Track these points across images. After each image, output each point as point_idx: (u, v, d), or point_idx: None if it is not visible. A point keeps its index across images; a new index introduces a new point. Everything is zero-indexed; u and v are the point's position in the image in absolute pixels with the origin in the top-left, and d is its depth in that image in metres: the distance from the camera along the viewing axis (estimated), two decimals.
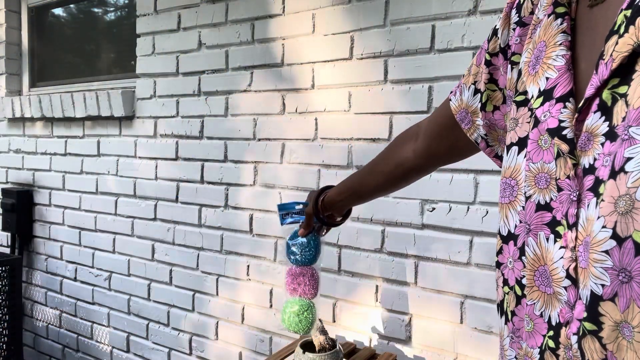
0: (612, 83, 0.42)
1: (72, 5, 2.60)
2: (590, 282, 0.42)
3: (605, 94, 0.43)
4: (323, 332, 1.22)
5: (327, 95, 1.57)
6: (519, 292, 0.53)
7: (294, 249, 1.03)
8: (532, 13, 0.57)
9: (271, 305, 1.72)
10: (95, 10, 2.50)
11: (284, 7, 1.65)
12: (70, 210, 2.38)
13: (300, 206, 1.06)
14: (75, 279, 2.39)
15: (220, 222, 1.84)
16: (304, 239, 1.03)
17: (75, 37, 2.58)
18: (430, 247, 1.39)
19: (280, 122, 1.67)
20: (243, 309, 1.80)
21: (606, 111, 0.42)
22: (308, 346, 1.22)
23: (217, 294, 1.87)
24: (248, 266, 1.77)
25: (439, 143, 0.76)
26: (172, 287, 2.00)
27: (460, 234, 1.35)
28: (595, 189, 0.42)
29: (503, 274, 0.57)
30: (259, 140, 1.73)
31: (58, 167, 2.42)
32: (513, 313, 0.54)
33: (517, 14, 0.59)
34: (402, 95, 1.43)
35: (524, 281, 0.52)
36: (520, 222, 0.52)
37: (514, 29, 0.59)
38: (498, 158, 0.69)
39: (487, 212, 1.30)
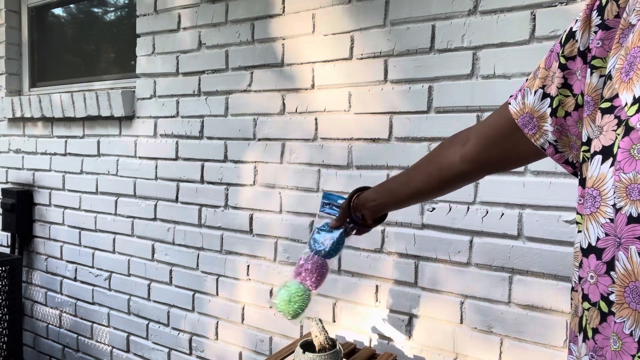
0: None
1: (72, 5, 2.60)
2: None
3: None
4: (323, 332, 1.22)
5: (327, 95, 1.57)
6: (604, 309, 0.50)
7: (317, 236, 1.03)
8: (617, 17, 0.54)
9: (271, 306, 1.72)
10: (95, 10, 2.50)
11: (284, 7, 1.65)
12: (70, 210, 2.38)
13: (342, 202, 1.06)
14: (75, 279, 2.39)
15: (220, 222, 1.84)
16: (331, 232, 1.02)
17: (75, 37, 2.58)
18: (430, 247, 1.39)
19: (280, 122, 1.67)
20: (243, 308, 1.80)
21: None
22: (308, 346, 1.22)
23: (217, 294, 1.87)
24: (248, 266, 1.77)
25: (491, 148, 0.73)
26: (172, 287, 2.00)
27: (460, 234, 1.35)
28: None
29: (583, 289, 0.54)
30: (259, 140, 1.73)
31: (58, 167, 2.42)
32: (595, 331, 0.51)
33: (599, 16, 0.56)
34: (402, 95, 1.43)
35: (612, 297, 0.49)
36: (607, 235, 0.50)
37: (595, 32, 0.56)
38: (569, 164, 0.66)
39: (487, 212, 1.30)
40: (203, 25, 1.86)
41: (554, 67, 0.61)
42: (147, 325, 2.10)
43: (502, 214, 1.28)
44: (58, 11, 2.67)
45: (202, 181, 1.89)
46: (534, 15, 1.22)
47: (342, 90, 1.53)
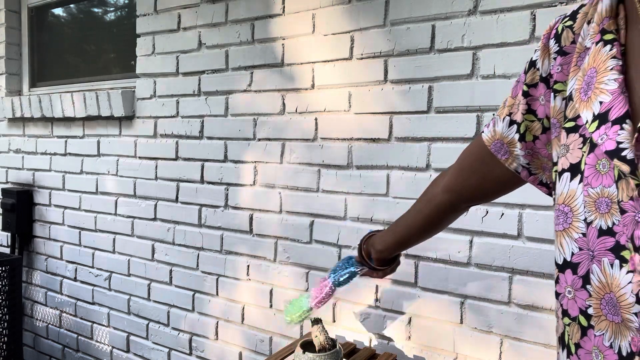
0: None
1: (72, 5, 2.59)
2: None
3: None
4: (323, 332, 1.22)
5: (327, 95, 1.57)
6: (584, 323, 0.51)
7: (340, 269, 1.08)
8: (573, 42, 0.58)
9: (271, 305, 1.72)
10: (95, 10, 2.50)
11: (284, 7, 1.65)
12: (70, 210, 2.38)
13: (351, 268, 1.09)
14: (75, 279, 2.39)
15: (220, 222, 1.84)
16: (354, 268, 1.06)
17: (75, 37, 2.58)
18: (430, 247, 1.39)
19: (280, 122, 1.67)
20: (243, 309, 1.80)
21: None
22: (308, 346, 1.22)
23: (217, 294, 1.87)
24: (248, 266, 1.77)
25: (469, 175, 0.76)
26: (172, 287, 2.00)
27: (460, 234, 1.35)
28: None
29: (562, 305, 0.55)
30: (259, 140, 1.73)
31: (58, 167, 2.42)
32: (578, 345, 0.52)
33: (557, 44, 0.60)
34: (402, 95, 1.43)
35: (590, 311, 0.50)
36: (581, 249, 0.51)
37: (554, 58, 0.60)
38: (543, 185, 0.69)
39: (487, 212, 1.30)
40: (203, 25, 1.86)
41: (519, 96, 0.65)
42: (147, 325, 2.10)
43: (502, 214, 1.28)
44: (58, 11, 2.67)
45: (202, 181, 1.89)
46: (534, 15, 1.22)
47: (342, 90, 1.53)
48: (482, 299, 1.32)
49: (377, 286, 1.49)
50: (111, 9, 2.49)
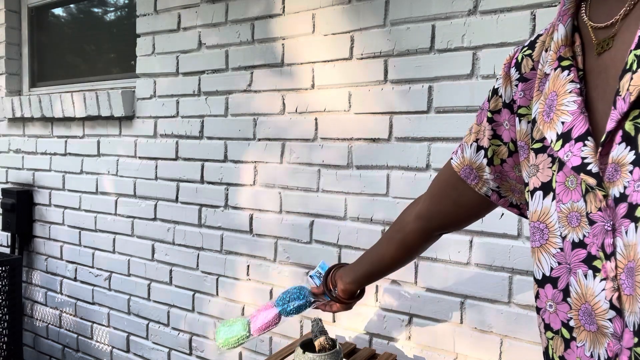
0: (633, 114, 0.45)
1: (72, 5, 2.59)
2: (638, 306, 0.43)
3: (628, 125, 0.45)
4: (323, 332, 1.22)
5: (327, 95, 1.57)
6: (566, 336, 0.53)
7: (290, 299, 1.03)
8: (532, 69, 0.61)
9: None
10: (95, 10, 2.50)
11: (284, 7, 1.65)
12: (70, 210, 2.38)
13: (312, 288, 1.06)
14: (75, 279, 2.39)
15: (220, 222, 1.84)
16: (302, 299, 1.03)
17: (75, 37, 2.58)
18: (430, 247, 1.39)
19: (280, 122, 1.67)
20: (243, 309, 1.80)
21: (630, 141, 0.45)
22: (308, 346, 1.22)
23: (217, 294, 1.87)
24: (248, 266, 1.77)
25: (441, 200, 0.78)
26: (172, 287, 2.00)
27: (460, 234, 1.35)
28: (631, 215, 0.44)
29: (544, 319, 0.56)
30: (259, 140, 1.73)
31: (58, 167, 2.42)
32: (562, 358, 0.53)
33: (517, 72, 0.63)
34: (402, 95, 1.43)
35: (571, 323, 0.52)
36: (560, 263, 0.53)
37: (516, 85, 0.63)
38: (514, 207, 0.72)
39: None
40: (203, 25, 1.86)
41: (484, 122, 0.68)
42: (147, 325, 2.10)
43: (502, 214, 1.28)
44: (58, 11, 2.67)
45: (202, 181, 1.89)
46: (534, 15, 1.22)
47: (342, 90, 1.53)
48: (482, 299, 1.32)
49: (377, 286, 1.49)
50: (111, 9, 2.49)
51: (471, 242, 1.33)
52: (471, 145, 0.70)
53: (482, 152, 0.69)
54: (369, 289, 1.51)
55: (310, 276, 1.11)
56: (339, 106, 1.54)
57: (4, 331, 2.33)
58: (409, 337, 1.44)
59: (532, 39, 0.63)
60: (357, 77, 1.50)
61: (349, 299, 1.00)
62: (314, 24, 1.59)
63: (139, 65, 2.07)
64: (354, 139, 1.52)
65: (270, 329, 1.04)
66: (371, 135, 1.49)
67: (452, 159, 0.75)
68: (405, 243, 0.86)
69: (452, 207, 0.77)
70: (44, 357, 2.60)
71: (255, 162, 1.74)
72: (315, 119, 1.59)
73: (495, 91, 0.67)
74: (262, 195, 1.73)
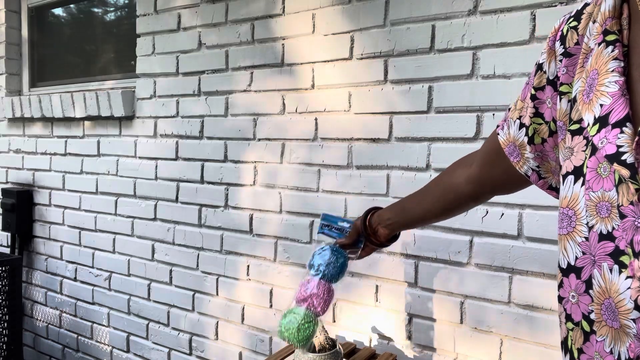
0: None
1: (72, 5, 2.59)
2: None
3: None
4: (323, 332, 1.22)
5: (327, 95, 1.57)
6: (587, 328, 0.51)
7: (321, 260, 1.00)
8: (577, 44, 0.57)
9: (271, 305, 1.72)
10: (95, 10, 2.50)
11: (284, 7, 1.65)
12: (70, 210, 2.38)
13: (345, 224, 1.05)
14: (75, 279, 2.39)
15: (220, 222, 1.84)
16: (335, 256, 1.00)
17: (75, 37, 2.58)
18: (430, 247, 1.39)
19: (280, 122, 1.67)
20: (243, 308, 1.80)
21: None
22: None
23: (217, 294, 1.87)
24: (248, 266, 1.77)
25: (492, 168, 0.77)
26: (172, 287, 2.00)
27: (460, 234, 1.35)
28: None
29: (565, 309, 0.54)
30: (259, 140, 1.73)
31: (58, 167, 2.42)
32: (580, 351, 0.52)
33: (562, 46, 0.59)
34: (402, 95, 1.43)
35: (592, 316, 0.50)
36: (584, 253, 0.51)
37: (560, 60, 0.59)
38: (553, 189, 0.69)
39: (487, 212, 1.30)
40: (203, 25, 1.86)
41: (527, 99, 0.65)
42: (147, 325, 2.10)
43: (502, 214, 1.28)
44: (58, 11, 2.67)
45: (202, 181, 1.89)
46: (534, 15, 1.22)
47: (342, 90, 1.53)
48: (482, 299, 1.32)
49: (377, 286, 1.49)
50: (111, 9, 2.48)
51: (471, 242, 1.33)
52: (515, 121, 0.68)
53: (524, 129, 0.66)
54: (369, 289, 1.51)
55: (319, 233, 1.06)
56: (339, 106, 1.54)
57: (4, 331, 2.33)
58: (409, 337, 1.44)
59: (579, 8, 0.59)
60: (357, 77, 1.50)
61: (387, 242, 1.02)
62: (314, 24, 1.59)
63: (139, 65, 2.07)
64: (354, 139, 1.52)
65: (330, 301, 0.99)
66: (371, 135, 1.49)
67: (498, 134, 0.72)
68: (455, 203, 0.86)
69: (503, 175, 0.75)
70: (44, 357, 2.60)
71: (255, 162, 1.74)
72: (315, 119, 1.59)
73: (539, 66, 0.63)
74: (262, 195, 1.73)
